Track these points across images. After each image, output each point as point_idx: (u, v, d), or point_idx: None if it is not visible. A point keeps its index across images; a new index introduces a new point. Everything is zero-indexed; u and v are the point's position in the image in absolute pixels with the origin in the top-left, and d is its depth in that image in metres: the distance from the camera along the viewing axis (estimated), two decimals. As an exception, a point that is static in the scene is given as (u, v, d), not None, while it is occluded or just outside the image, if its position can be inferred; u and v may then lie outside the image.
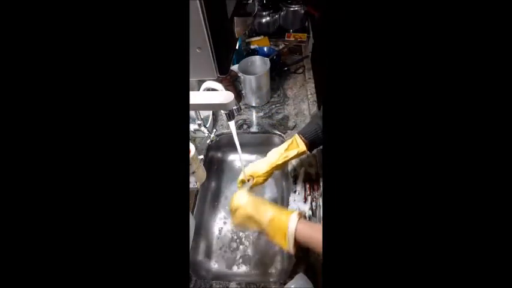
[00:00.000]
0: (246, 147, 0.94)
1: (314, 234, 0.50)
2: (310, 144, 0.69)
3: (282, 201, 0.84)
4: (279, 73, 1.09)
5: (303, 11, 1.24)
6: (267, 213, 0.55)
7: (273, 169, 0.68)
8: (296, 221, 0.51)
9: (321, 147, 0.76)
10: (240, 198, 0.59)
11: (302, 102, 0.99)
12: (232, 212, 0.60)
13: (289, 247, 0.51)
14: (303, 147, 0.68)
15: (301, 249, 0.64)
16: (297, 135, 0.70)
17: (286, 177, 0.82)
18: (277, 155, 0.69)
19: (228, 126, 0.93)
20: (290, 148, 0.69)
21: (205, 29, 0.31)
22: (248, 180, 0.69)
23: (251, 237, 0.78)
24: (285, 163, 0.69)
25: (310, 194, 0.74)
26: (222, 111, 0.57)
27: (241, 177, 0.69)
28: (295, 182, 0.77)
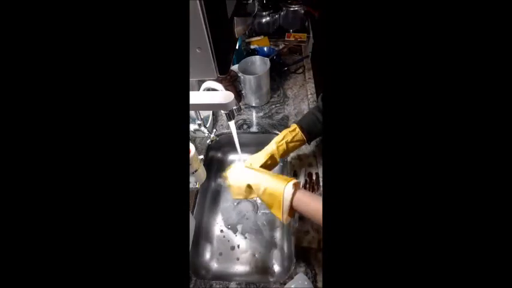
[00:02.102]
0: (246, 147, 0.93)
1: (312, 202, 0.50)
2: (308, 134, 0.70)
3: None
4: (279, 73, 1.09)
5: (303, 11, 1.24)
6: (263, 183, 0.55)
7: (270, 159, 0.67)
8: (291, 192, 0.51)
9: (320, 141, 0.77)
10: (236, 170, 0.60)
11: (302, 102, 0.99)
12: (231, 184, 0.60)
13: (283, 217, 0.52)
14: (300, 134, 0.69)
15: (301, 249, 0.64)
16: (293, 124, 0.71)
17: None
18: (273, 145, 0.69)
19: (228, 126, 0.93)
20: (287, 136, 0.69)
21: (205, 29, 0.31)
22: None
23: (251, 237, 0.78)
24: (284, 152, 0.69)
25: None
26: (222, 111, 0.57)
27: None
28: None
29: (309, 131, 0.70)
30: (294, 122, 0.72)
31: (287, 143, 0.69)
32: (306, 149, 0.84)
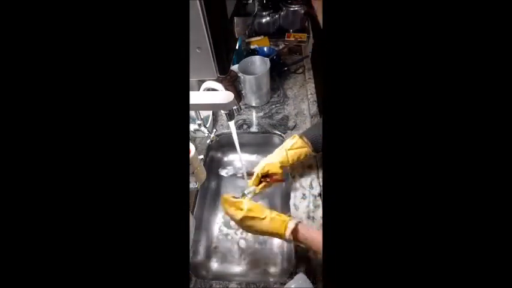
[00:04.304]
0: (246, 147, 0.94)
1: (312, 233, 0.52)
2: (312, 142, 0.70)
3: (282, 201, 0.84)
4: (279, 73, 1.09)
5: (303, 11, 1.24)
6: (270, 213, 0.55)
7: (270, 167, 0.68)
8: (295, 222, 0.53)
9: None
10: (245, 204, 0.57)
11: (302, 102, 0.99)
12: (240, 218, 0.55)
13: (287, 233, 0.52)
14: (300, 141, 0.70)
15: (301, 249, 0.64)
16: (297, 136, 0.71)
17: (286, 177, 0.82)
18: (274, 154, 0.69)
19: (228, 126, 0.93)
20: (286, 144, 0.70)
21: (205, 29, 0.31)
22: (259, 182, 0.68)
23: (251, 237, 0.78)
24: (285, 160, 0.69)
25: (309, 193, 0.74)
26: (222, 111, 0.57)
27: (254, 177, 0.67)
28: (294, 184, 0.77)
29: (313, 139, 0.70)
30: (298, 134, 0.72)
31: (286, 150, 0.69)
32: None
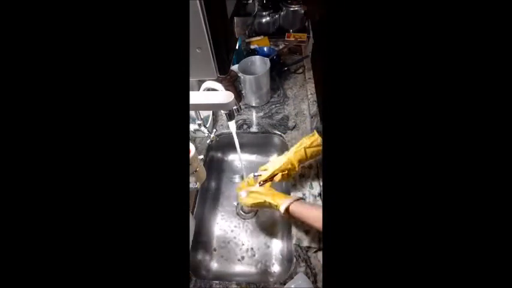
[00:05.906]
0: (246, 147, 0.94)
1: (302, 209, 0.60)
2: None
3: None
4: (279, 73, 1.09)
5: (303, 11, 1.24)
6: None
7: (288, 165, 0.68)
8: (289, 201, 0.61)
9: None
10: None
11: (302, 102, 0.99)
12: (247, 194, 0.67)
13: (282, 209, 0.60)
14: (320, 139, 0.69)
15: (301, 249, 0.64)
16: (317, 133, 0.70)
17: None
18: (291, 151, 0.70)
19: (228, 126, 0.93)
20: (305, 142, 0.70)
21: (205, 29, 0.31)
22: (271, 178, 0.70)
23: (251, 237, 0.78)
24: (303, 158, 0.69)
25: (309, 193, 0.74)
26: (222, 111, 0.57)
27: (269, 174, 0.69)
28: (294, 184, 0.77)
29: None
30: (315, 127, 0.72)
31: (305, 148, 0.68)
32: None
